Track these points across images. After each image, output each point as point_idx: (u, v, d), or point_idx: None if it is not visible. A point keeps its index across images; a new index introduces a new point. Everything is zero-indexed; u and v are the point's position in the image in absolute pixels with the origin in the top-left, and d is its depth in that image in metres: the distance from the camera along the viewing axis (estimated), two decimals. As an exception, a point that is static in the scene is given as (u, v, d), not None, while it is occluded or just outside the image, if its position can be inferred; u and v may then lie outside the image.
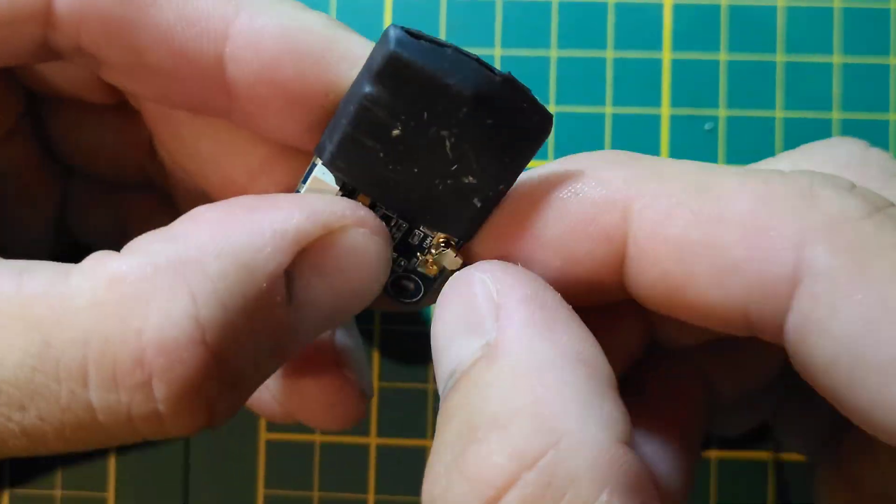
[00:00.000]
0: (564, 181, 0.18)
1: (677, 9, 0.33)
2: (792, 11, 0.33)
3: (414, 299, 0.22)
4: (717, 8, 0.33)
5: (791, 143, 0.33)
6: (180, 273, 0.17)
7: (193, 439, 0.33)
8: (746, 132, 0.33)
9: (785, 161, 0.21)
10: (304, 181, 0.20)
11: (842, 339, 0.15)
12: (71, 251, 0.28)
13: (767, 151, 0.33)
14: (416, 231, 0.20)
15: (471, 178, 0.18)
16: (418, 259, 0.21)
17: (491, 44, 0.33)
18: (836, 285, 0.16)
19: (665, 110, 0.33)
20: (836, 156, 0.20)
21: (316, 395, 0.24)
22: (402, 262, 0.21)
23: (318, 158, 0.19)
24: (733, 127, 0.33)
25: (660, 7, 0.33)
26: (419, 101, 0.17)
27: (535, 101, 0.18)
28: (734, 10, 0.33)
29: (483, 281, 0.18)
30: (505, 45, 0.33)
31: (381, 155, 0.18)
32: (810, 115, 0.33)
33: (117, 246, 0.27)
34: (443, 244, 0.20)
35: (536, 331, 0.17)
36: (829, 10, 0.33)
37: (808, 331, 0.16)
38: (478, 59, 0.17)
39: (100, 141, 0.25)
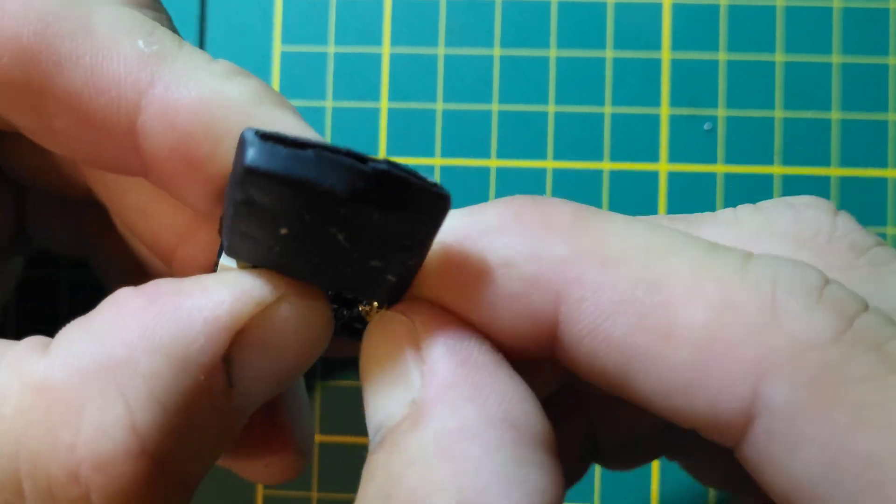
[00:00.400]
0: (499, 247, 0.17)
1: (676, 8, 0.33)
2: (791, 11, 0.33)
3: (357, 339, 0.20)
4: (716, 8, 0.33)
5: (790, 142, 0.33)
6: (111, 377, 0.16)
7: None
8: (745, 132, 0.33)
9: (748, 220, 0.18)
10: (219, 256, 0.19)
11: (797, 481, 0.14)
12: (38, 258, 0.28)
13: (766, 151, 0.33)
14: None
15: (376, 262, 0.17)
16: (359, 309, 0.20)
17: (490, 44, 0.33)
18: (794, 426, 0.14)
19: (664, 110, 0.33)
20: (801, 228, 0.18)
21: (250, 455, 0.23)
22: (345, 312, 0.20)
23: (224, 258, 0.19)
24: (732, 126, 0.33)
25: (659, 7, 0.33)
26: (294, 206, 0.16)
27: (420, 187, 0.16)
28: (733, 10, 0.33)
29: (406, 325, 0.17)
30: (504, 45, 0.33)
31: (276, 248, 0.17)
32: (809, 114, 0.33)
33: (79, 253, 0.26)
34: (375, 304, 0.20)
35: (461, 392, 0.16)
36: (829, 10, 0.33)
37: (762, 461, 0.15)
38: (348, 153, 0.16)
39: (48, 164, 0.24)
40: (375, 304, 0.20)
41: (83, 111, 0.18)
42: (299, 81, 0.34)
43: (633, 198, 0.33)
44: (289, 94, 0.34)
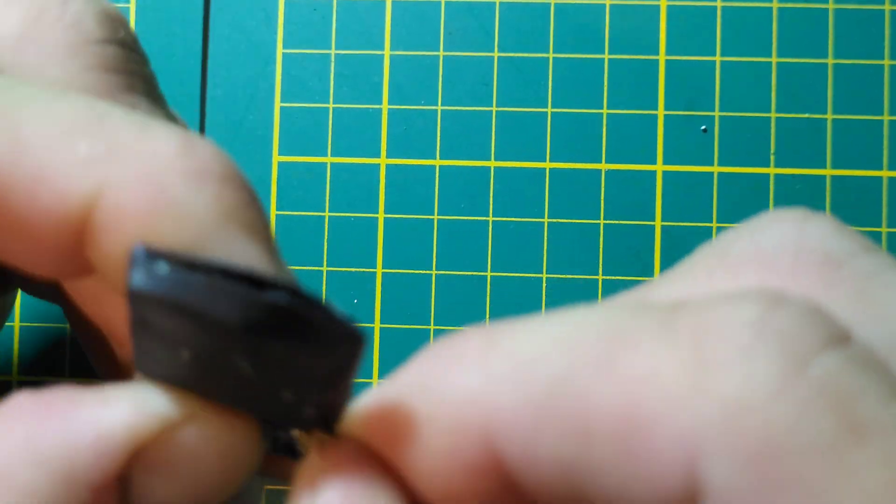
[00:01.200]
0: (423, 404, 0.14)
1: (672, 11, 0.34)
2: (786, 13, 0.33)
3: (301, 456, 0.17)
4: (712, 10, 0.33)
5: (785, 143, 0.33)
6: None
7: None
8: (741, 133, 0.33)
9: (701, 263, 0.15)
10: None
11: None
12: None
13: (762, 152, 0.33)
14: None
15: (288, 394, 0.15)
16: (291, 433, 0.18)
17: (490, 47, 0.34)
18: None
19: (661, 111, 0.33)
20: (761, 251, 0.14)
21: None
22: (282, 434, 0.18)
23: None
24: (728, 128, 0.33)
25: (656, 9, 0.34)
26: (188, 332, 0.14)
27: (325, 325, 0.14)
28: (729, 12, 0.33)
29: (310, 469, 0.15)
30: (502, 48, 0.34)
31: (183, 371, 0.15)
32: (805, 116, 0.33)
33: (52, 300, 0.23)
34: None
35: None
36: (824, 12, 0.33)
37: None
38: (248, 278, 0.14)
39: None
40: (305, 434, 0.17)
41: (27, 234, 0.16)
42: (301, 83, 0.34)
43: (630, 198, 0.33)
44: (291, 97, 0.34)
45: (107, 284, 0.17)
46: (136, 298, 0.14)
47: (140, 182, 0.15)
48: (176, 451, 0.15)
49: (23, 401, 0.15)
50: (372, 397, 0.15)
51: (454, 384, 0.14)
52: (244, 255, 0.15)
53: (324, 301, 0.14)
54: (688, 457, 0.11)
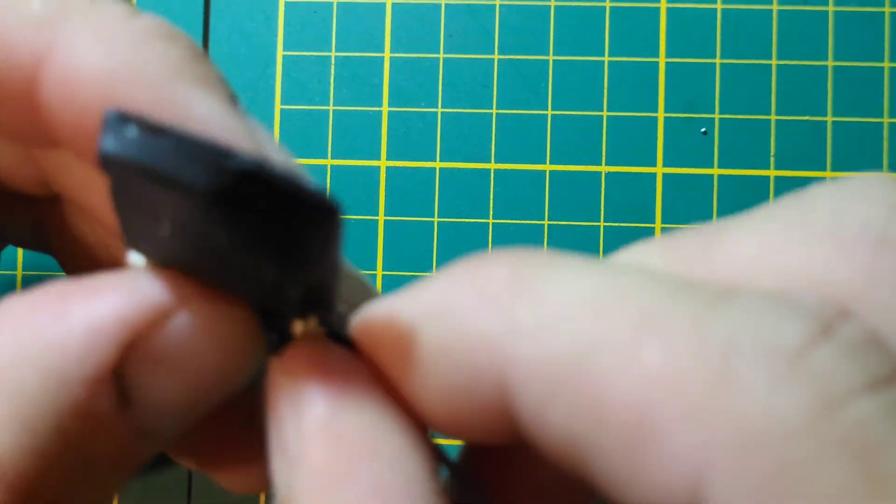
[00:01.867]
0: (435, 336, 0.14)
1: (672, 14, 0.34)
2: (786, 15, 0.33)
3: None
4: (712, 12, 0.33)
5: (785, 145, 0.33)
6: None
7: (196, 438, 0.34)
8: (741, 135, 0.33)
9: (781, 217, 0.14)
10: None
11: None
12: None
13: (762, 154, 0.33)
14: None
15: (269, 272, 0.14)
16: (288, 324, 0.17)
17: (490, 49, 0.34)
18: None
19: (661, 114, 0.33)
20: (841, 228, 0.13)
21: (222, 465, 0.20)
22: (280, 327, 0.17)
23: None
24: (728, 130, 0.33)
25: (656, 11, 0.34)
26: (165, 201, 0.14)
27: (294, 194, 0.13)
28: (729, 15, 0.33)
29: (296, 374, 0.14)
30: (502, 50, 0.34)
31: (166, 246, 0.15)
32: (804, 118, 0.33)
33: (42, 249, 0.23)
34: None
35: (331, 483, 0.13)
36: (824, 15, 0.33)
37: None
38: (213, 146, 0.13)
39: None
40: (301, 322, 0.16)
41: None
42: (301, 86, 0.34)
43: (631, 201, 0.33)
44: (291, 99, 0.34)
45: (74, 158, 0.17)
46: (107, 164, 0.14)
47: (90, 41, 0.15)
48: (171, 340, 0.15)
49: (12, 302, 0.15)
50: (383, 307, 0.15)
51: (475, 323, 0.13)
52: (202, 107, 0.15)
53: (297, 176, 0.13)
54: (694, 472, 0.11)
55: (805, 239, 0.13)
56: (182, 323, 0.15)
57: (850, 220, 0.12)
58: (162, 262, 0.15)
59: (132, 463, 0.15)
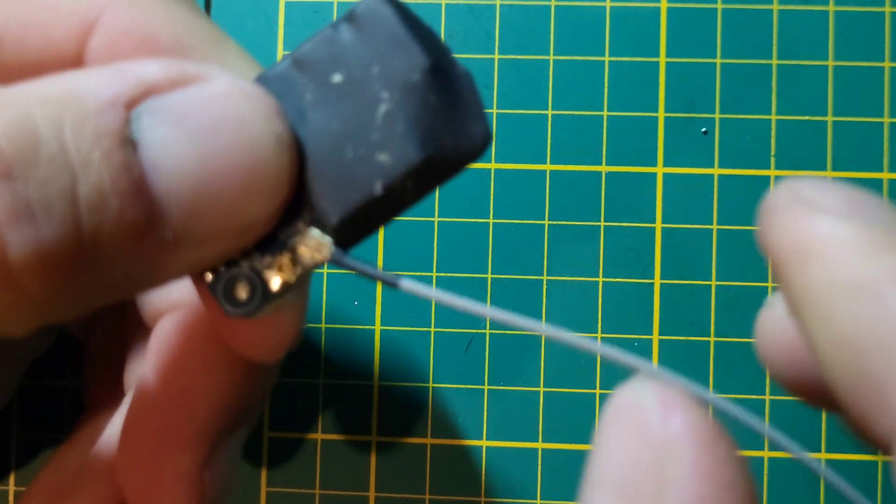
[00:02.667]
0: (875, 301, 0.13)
1: (673, 13, 0.34)
2: (786, 15, 0.33)
3: (243, 309, 0.17)
4: (712, 12, 0.33)
5: (785, 146, 0.33)
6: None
7: (197, 438, 0.34)
8: (742, 135, 0.33)
9: None
10: None
11: None
12: None
13: (763, 154, 0.33)
14: (292, 225, 0.17)
15: (385, 156, 0.16)
16: (273, 258, 0.17)
17: (490, 49, 0.34)
18: None
19: (661, 114, 0.33)
20: None
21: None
22: (253, 261, 0.17)
23: None
24: (728, 130, 0.33)
25: (656, 11, 0.34)
26: (377, 53, 0.16)
27: (483, 110, 0.16)
28: (729, 15, 0.33)
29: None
30: (503, 50, 0.34)
31: (309, 96, 0.17)
32: (805, 118, 0.33)
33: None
34: (314, 236, 0.17)
35: None
36: (824, 14, 0.33)
37: None
38: (448, 47, 0.17)
39: None
40: (288, 258, 0.17)
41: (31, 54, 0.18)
42: (302, 86, 0.34)
43: (631, 200, 0.33)
44: (292, 99, 0.34)
45: None
46: (369, 6, 0.17)
47: (128, 7, 0.17)
48: (193, 100, 0.15)
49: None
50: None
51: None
52: (227, 67, 0.17)
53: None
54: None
55: None
56: (209, 88, 0.15)
57: None
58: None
59: (145, 223, 0.15)
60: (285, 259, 0.17)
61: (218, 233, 0.15)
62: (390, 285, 0.18)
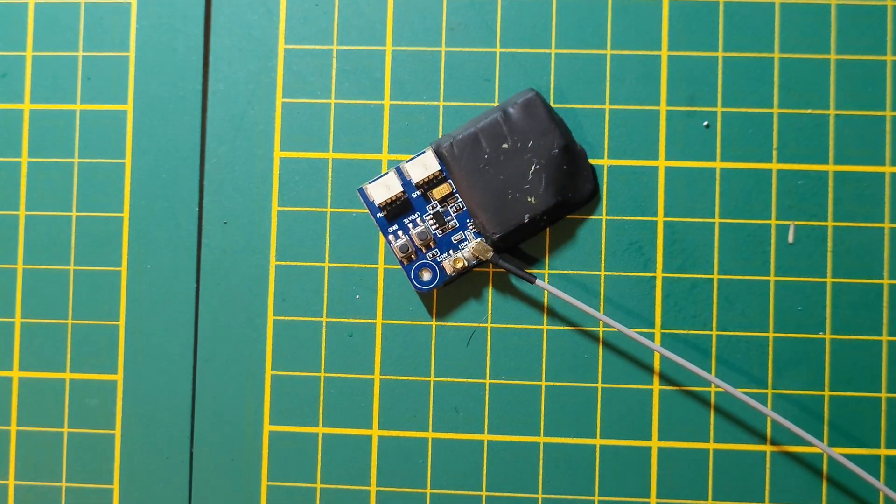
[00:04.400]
0: None
1: (675, 6, 0.33)
2: (788, 8, 0.33)
3: (429, 286, 0.31)
4: (714, 5, 0.33)
5: (787, 139, 0.33)
6: None
7: (197, 430, 0.34)
8: (743, 129, 0.33)
9: None
10: (412, 158, 0.31)
11: None
12: None
13: (765, 147, 0.33)
14: (462, 232, 0.30)
15: (532, 199, 0.28)
16: (449, 255, 0.30)
17: (492, 42, 0.34)
18: None
19: (663, 107, 0.33)
20: None
21: None
22: (434, 253, 0.30)
23: (430, 147, 0.31)
24: (730, 123, 0.33)
25: (658, 4, 0.33)
26: (531, 133, 0.28)
27: (593, 174, 0.30)
28: (731, 8, 0.33)
29: None
30: (504, 43, 0.34)
31: (485, 156, 0.28)
32: (807, 111, 0.33)
33: None
34: (476, 240, 0.30)
35: None
36: (826, 8, 0.33)
37: None
38: (569, 130, 0.31)
39: None
40: (465, 259, 0.30)
41: None
42: (303, 79, 0.34)
43: (633, 194, 0.33)
44: (293, 92, 0.34)
45: None
46: (528, 100, 0.30)
47: None
48: None
49: None
50: None
51: None
52: None
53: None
54: None
55: None
56: None
57: None
58: (453, 165, 0.30)
59: None
60: (458, 256, 0.30)
61: None
62: (529, 281, 0.30)
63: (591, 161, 0.33)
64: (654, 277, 0.33)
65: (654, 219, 0.33)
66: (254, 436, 0.34)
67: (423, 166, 0.30)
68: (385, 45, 0.34)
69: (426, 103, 0.34)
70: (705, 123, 0.33)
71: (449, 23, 0.34)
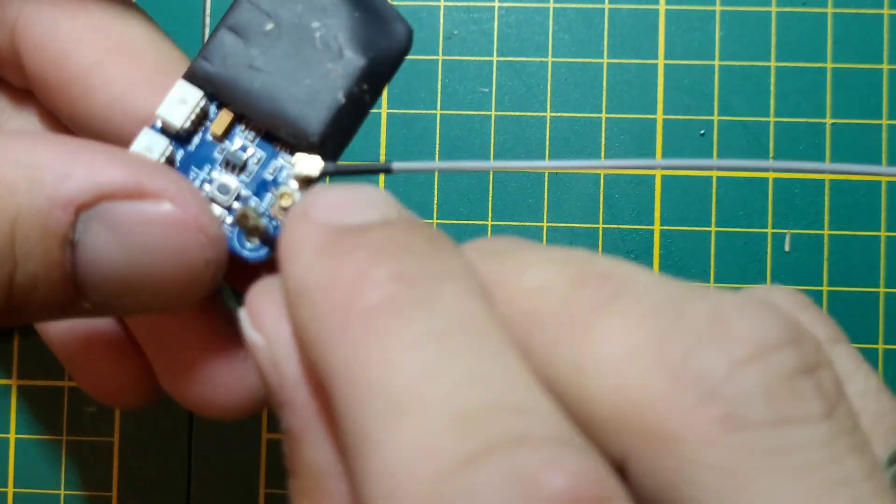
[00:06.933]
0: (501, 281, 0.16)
1: (671, 15, 0.34)
2: (785, 17, 0.33)
3: (256, 256, 0.19)
4: (711, 14, 0.33)
5: (784, 147, 0.33)
6: None
7: (196, 438, 0.34)
8: (740, 137, 0.33)
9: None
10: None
11: None
12: None
13: (761, 155, 0.33)
14: (274, 161, 0.20)
15: (337, 71, 0.19)
16: (273, 194, 0.19)
17: (489, 52, 0.34)
18: None
19: (660, 115, 0.33)
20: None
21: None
22: (254, 205, 0.19)
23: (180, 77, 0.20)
24: (726, 132, 0.33)
25: (655, 13, 0.34)
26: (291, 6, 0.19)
27: (398, 12, 0.20)
28: (727, 17, 0.33)
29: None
30: (501, 52, 0.34)
31: (251, 52, 0.19)
32: (803, 120, 0.33)
33: None
34: (300, 161, 0.19)
35: None
36: (823, 16, 0.33)
37: None
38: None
39: None
40: (291, 191, 0.19)
41: None
42: (301, 87, 0.34)
43: (630, 202, 0.33)
44: (290, 100, 0.34)
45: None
46: None
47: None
48: (135, 217, 0.17)
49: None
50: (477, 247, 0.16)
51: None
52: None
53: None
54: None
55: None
56: (152, 209, 0.17)
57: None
58: (218, 84, 0.19)
59: (60, 310, 0.17)
60: (283, 191, 0.19)
61: (137, 312, 0.18)
62: (385, 171, 0.20)
63: (588, 170, 0.33)
64: (651, 286, 0.33)
65: (651, 227, 0.33)
66: (252, 443, 0.34)
67: (182, 102, 0.19)
68: (382, 54, 0.34)
69: (423, 112, 0.34)
70: (701, 132, 0.33)
71: (446, 31, 0.34)
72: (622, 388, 0.13)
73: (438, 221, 0.33)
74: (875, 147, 0.33)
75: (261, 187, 0.19)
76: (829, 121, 0.33)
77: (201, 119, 0.20)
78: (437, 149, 0.34)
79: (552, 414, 0.12)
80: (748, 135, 0.33)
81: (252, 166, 0.20)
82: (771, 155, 0.33)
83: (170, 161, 0.20)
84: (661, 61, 0.33)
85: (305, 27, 0.19)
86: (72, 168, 0.16)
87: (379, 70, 0.20)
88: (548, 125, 0.33)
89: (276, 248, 0.17)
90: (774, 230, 0.33)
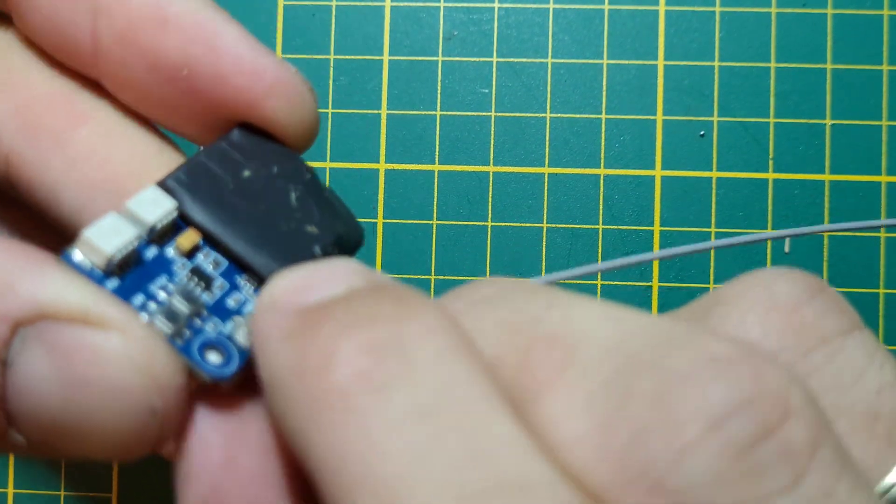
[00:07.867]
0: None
1: (671, 16, 0.34)
2: (784, 18, 0.33)
3: (220, 373, 0.17)
4: (711, 15, 0.33)
5: (784, 148, 0.33)
6: None
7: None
8: (740, 138, 0.33)
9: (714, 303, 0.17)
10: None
11: None
12: None
13: (761, 157, 0.33)
14: (239, 285, 0.18)
15: (312, 228, 0.19)
16: (235, 323, 0.18)
17: (489, 52, 0.34)
18: None
19: (659, 116, 0.33)
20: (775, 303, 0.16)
21: None
22: (214, 323, 0.18)
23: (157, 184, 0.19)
24: (726, 133, 0.33)
25: (655, 14, 0.34)
26: (270, 157, 0.20)
27: (352, 214, 0.21)
28: (727, 18, 0.33)
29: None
30: (501, 53, 0.34)
31: (229, 186, 0.19)
32: (803, 121, 0.33)
33: None
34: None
35: None
36: (822, 17, 0.33)
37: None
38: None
39: None
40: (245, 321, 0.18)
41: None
42: (300, 89, 0.34)
43: (629, 203, 0.33)
44: (290, 102, 0.34)
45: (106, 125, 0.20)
46: (250, 128, 0.20)
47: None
48: (74, 342, 0.15)
49: None
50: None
51: None
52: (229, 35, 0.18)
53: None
54: None
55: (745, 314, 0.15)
56: (92, 337, 0.15)
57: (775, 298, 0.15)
58: (194, 202, 0.19)
59: None
60: (242, 321, 0.18)
61: (77, 455, 0.16)
62: None
63: (587, 171, 0.33)
64: (651, 287, 0.33)
65: (651, 228, 0.33)
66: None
67: (155, 204, 0.18)
68: (382, 55, 0.34)
69: (423, 113, 0.34)
70: (701, 133, 0.33)
71: (446, 32, 0.34)
72: (573, 474, 0.12)
73: (438, 222, 0.33)
74: (875, 148, 0.33)
75: (223, 312, 0.18)
76: (828, 122, 0.33)
77: (168, 230, 0.18)
78: (437, 150, 0.34)
79: (557, 484, 0.11)
80: (748, 135, 0.33)
81: (216, 290, 0.18)
82: (771, 155, 0.33)
83: (132, 252, 0.17)
84: (660, 62, 0.33)
85: (283, 187, 0.20)
86: (15, 280, 0.15)
87: (344, 242, 0.20)
88: (547, 126, 0.33)
89: (242, 367, 0.16)
90: (774, 231, 0.33)
